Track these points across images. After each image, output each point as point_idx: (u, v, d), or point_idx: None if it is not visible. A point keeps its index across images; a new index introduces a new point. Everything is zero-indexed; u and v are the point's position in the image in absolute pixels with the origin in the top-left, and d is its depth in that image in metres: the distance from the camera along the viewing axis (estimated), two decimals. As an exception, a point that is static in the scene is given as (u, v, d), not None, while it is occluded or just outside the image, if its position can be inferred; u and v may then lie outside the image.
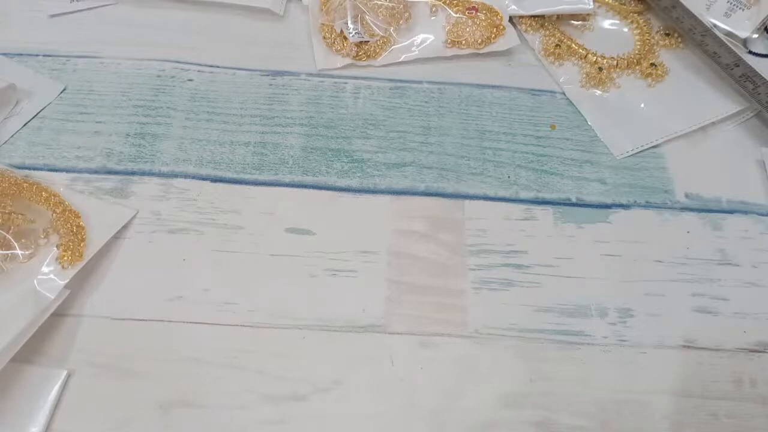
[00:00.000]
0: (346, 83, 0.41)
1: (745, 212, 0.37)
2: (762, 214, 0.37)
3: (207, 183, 0.36)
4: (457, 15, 0.43)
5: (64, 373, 0.29)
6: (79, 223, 0.32)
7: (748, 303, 0.34)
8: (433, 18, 0.44)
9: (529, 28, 0.44)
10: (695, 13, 0.43)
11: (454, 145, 0.39)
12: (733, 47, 0.42)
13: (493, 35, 0.43)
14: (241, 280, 0.33)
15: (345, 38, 0.42)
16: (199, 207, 0.35)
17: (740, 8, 0.44)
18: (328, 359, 0.31)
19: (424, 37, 0.43)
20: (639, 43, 0.44)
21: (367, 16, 0.41)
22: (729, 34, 0.44)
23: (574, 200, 0.37)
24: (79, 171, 0.36)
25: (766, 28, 0.45)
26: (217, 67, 0.41)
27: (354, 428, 0.29)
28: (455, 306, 0.32)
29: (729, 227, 0.36)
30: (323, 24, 0.42)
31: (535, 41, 0.44)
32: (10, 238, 0.31)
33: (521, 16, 0.44)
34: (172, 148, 0.37)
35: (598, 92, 0.42)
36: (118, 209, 0.34)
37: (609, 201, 0.37)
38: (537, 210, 0.36)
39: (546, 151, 0.39)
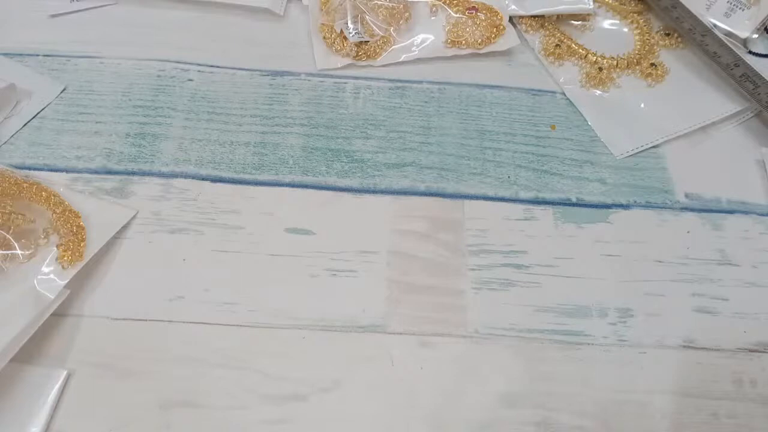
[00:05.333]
0: (346, 83, 0.41)
1: (745, 212, 0.37)
2: (762, 214, 0.37)
3: (207, 183, 0.36)
4: (457, 15, 0.43)
5: (64, 373, 0.29)
6: (79, 223, 0.32)
7: (748, 303, 0.34)
8: (433, 18, 0.44)
9: (529, 28, 0.44)
10: (695, 13, 0.43)
11: (454, 145, 0.39)
12: (733, 47, 0.42)
13: (493, 35, 0.43)
14: (241, 280, 0.33)
15: (345, 38, 0.42)
16: (199, 207, 0.35)
17: (740, 8, 0.44)
18: (328, 359, 0.31)
19: (424, 37, 0.43)
20: (639, 43, 0.44)
21: (367, 16, 0.41)
22: (729, 34, 0.44)
23: (574, 200, 0.37)
24: (79, 171, 0.36)
25: (766, 28, 0.45)
26: (217, 67, 0.41)
27: (354, 428, 0.29)
28: (455, 306, 0.32)
29: (729, 227, 0.36)
30: (323, 24, 0.42)
31: (535, 41, 0.44)
32: (10, 238, 0.31)
33: (521, 16, 0.44)
34: (172, 148, 0.37)
35: (598, 92, 0.42)
36: (118, 209, 0.34)
37: (609, 201, 0.37)
38: (537, 210, 0.36)
39: (546, 151, 0.39)
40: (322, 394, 0.30)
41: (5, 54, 0.40)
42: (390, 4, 0.42)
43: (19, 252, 0.31)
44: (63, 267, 0.31)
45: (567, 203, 0.37)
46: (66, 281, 0.30)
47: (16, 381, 0.29)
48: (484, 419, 0.29)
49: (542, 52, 0.43)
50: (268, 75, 0.41)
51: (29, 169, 0.35)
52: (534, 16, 0.44)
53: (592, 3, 0.44)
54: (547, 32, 0.44)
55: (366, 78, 0.41)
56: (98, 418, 0.28)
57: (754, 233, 0.36)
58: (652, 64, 0.43)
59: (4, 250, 0.31)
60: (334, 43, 0.42)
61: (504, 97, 0.41)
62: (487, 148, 0.39)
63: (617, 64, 0.42)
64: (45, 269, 0.31)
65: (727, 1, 0.45)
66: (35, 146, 0.37)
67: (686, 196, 0.37)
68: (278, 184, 0.36)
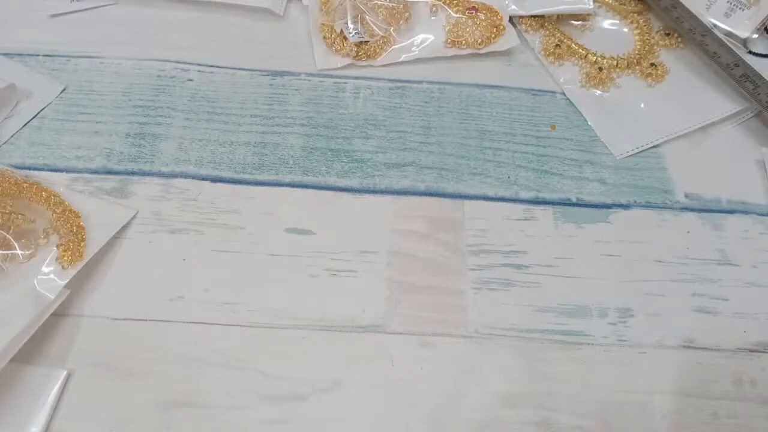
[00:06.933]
0: (346, 83, 0.41)
1: (745, 212, 0.37)
2: (762, 214, 0.37)
3: (207, 183, 0.36)
4: (457, 15, 0.43)
5: (64, 373, 0.29)
6: (79, 223, 0.32)
7: (748, 303, 0.34)
8: (433, 18, 0.44)
9: (529, 28, 0.44)
10: (695, 13, 0.43)
11: (454, 145, 0.39)
12: (733, 47, 0.42)
13: (493, 35, 0.43)
14: (241, 280, 0.33)
15: (345, 38, 0.42)
16: (199, 207, 0.35)
17: (740, 8, 0.44)
18: (328, 359, 0.31)
19: (424, 37, 0.43)
20: (639, 43, 0.44)
21: (367, 16, 0.41)
22: (729, 34, 0.44)
23: (574, 200, 0.37)
24: (79, 171, 0.36)
25: (766, 28, 0.45)
26: (217, 67, 0.41)
27: (354, 428, 0.29)
28: (455, 306, 0.32)
29: (729, 227, 0.36)
30: (323, 24, 0.42)
31: (535, 41, 0.44)
32: (10, 238, 0.31)
33: (521, 16, 0.44)
34: (172, 148, 0.37)
35: (598, 92, 0.42)
36: (118, 209, 0.34)
37: (609, 201, 0.37)
38: (537, 210, 0.36)
39: (546, 151, 0.39)
40: (322, 394, 0.30)
41: (5, 54, 0.40)
42: (390, 4, 0.42)
43: (19, 252, 0.31)
44: (63, 267, 0.31)
45: (567, 203, 0.37)
46: (66, 281, 0.30)
47: (16, 381, 0.29)
48: (484, 419, 0.29)
49: (542, 52, 0.43)
50: (268, 75, 0.41)
51: (29, 169, 0.35)
52: (534, 16, 0.44)
53: (592, 3, 0.44)
54: (547, 32, 0.44)
55: (366, 78, 0.41)
56: (98, 418, 0.28)
57: (754, 233, 0.36)
58: (652, 64, 0.43)
59: (4, 250, 0.31)
60: (334, 43, 0.42)
61: (504, 97, 0.41)
62: (487, 148, 0.39)
63: (617, 64, 0.42)
64: (45, 269, 0.31)
65: (727, 1, 0.45)
66: (35, 146, 0.37)
67: (686, 196, 0.37)
68: (278, 184, 0.36)
